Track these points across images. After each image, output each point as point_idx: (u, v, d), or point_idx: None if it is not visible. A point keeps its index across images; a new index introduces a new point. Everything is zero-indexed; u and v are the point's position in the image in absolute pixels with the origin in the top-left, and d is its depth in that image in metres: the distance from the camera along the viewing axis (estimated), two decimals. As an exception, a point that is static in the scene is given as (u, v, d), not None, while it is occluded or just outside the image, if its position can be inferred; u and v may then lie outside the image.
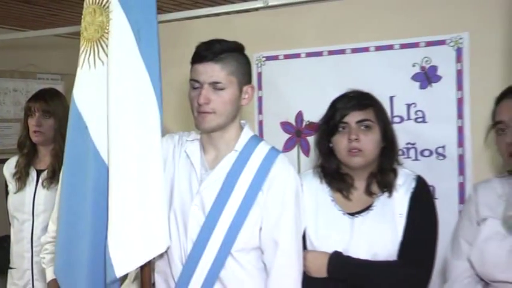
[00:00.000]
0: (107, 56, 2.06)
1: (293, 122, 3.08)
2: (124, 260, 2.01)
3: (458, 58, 2.70)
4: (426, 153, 2.79)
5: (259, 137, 2.34)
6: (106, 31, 2.07)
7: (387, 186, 2.26)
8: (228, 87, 2.08)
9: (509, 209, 1.99)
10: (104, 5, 2.09)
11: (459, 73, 2.70)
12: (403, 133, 2.70)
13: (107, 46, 2.06)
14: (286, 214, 2.11)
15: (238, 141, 2.16)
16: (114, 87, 2.03)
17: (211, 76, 2.06)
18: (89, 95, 2.11)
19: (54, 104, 2.96)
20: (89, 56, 2.12)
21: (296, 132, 3.07)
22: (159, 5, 3.13)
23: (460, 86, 2.70)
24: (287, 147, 3.08)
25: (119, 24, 2.03)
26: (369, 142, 2.22)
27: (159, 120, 2.07)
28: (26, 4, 4.61)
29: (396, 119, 2.80)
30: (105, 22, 2.08)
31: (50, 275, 2.57)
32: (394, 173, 2.29)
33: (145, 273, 2.14)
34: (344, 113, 2.25)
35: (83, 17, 2.12)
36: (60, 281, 2.12)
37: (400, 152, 2.63)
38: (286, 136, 3.09)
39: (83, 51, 2.10)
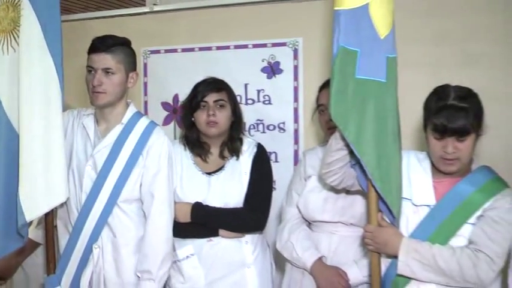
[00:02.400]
0: (18, 44, 2.29)
1: (171, 102, 3.47)
2: (32, 208, 2.27)
3: (295, 56, 3.19)
4: (271, 127, 3.25)
5: (141, 113, 2.54)
6: (18, 25, 2.29)
7: (235, 151, 2.58)
8: (117, 73, 2.34)
9: (322, 167, 2.24)
10: (16, 3, 2.32)
11: (295, 68, 3.20)
12: (254, 112, 3.20)
13: (18, 37, 2.29)
14: (160, 173, 2.37)
15: (125, 116, 2.41)
16: (24, 70, 2.26)
17: (104, 64, 2.32)
18: (2, 76, 2.34)
19: None
20: (3, 45, 2.35)
21: (173, 110, 3.47)
22: (69, 7, 3.50)
23: (296, 77, 3.20)
24: (166, 122, 3.47)
25: (29, 19, 2.27)
26: (223, 117, 2.51)
27: (60, 98, 2.32)
28: None
29: (249, 101, 3.25)
30: (17, 17, 2.30)
31: None
32: (241, 141, 2.61)
33: (49, 219, 2.44)
34: (204, 94, 2.53)
35: (-3, 12, 2.34)
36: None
37: (251, 126, 3.13)
38: (165, 113, 3.49)
39: None
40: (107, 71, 2.34)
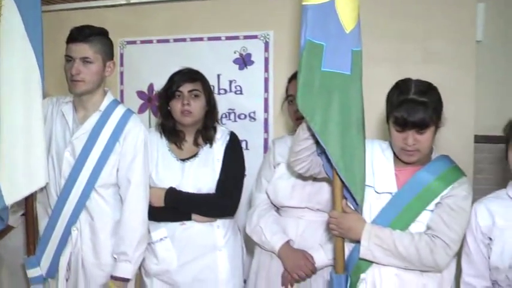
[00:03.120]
0: None
1: (146, 91, 3.52)
2: (12, 192, 2.33)
3: (266, 48, 3.27)
4: (242, 116, 3.33)
5: (119, 101, 2.58)
6: None
7: (209, 139, 2.62)
8: (94, 62, 2.38)
9: (291, 155, 2.29)
10: (-3, -6, 2.34)
11: (266, 60, 3.28)
12: (226, 102, 3.27)
13: None
14: (136, 159, 2.43)
15: (102, 103, 2.45)
16: (5, 59, 2.31)
17: (82, 53, 2.35)
18: None
19: None
20: (-15, 33, 2.36)
21: (148, 99, 3.53)
22: None
23: (266, 69, 3.28)
24: (141, 110, 3.53)
25: (10, 10, 2.31)
26: (197, 106, 2.56)
27: (40, 86, 2.37)
28: None
29: (222, 91, 3.33)
30: None
31: None
32: (214, 129, 2.64)
33: (29, 203, 2.49)
34: (179, 84, 2.56)
35: (-20, 2, 2.34)
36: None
37: (223, 115, 3.19)
38: (141, 102, 3.55)
39: None
40: (84, 60, 2.37)
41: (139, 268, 2.59)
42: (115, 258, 2.42)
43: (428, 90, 2.11)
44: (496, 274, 2.11)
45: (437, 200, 2.12)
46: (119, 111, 2.49)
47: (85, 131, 2.43)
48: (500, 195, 2.20)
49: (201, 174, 2.58)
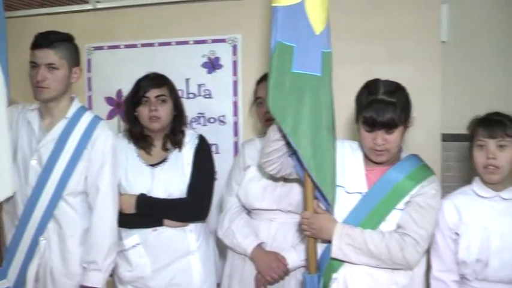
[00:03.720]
0: None
1: (115, 97, 3.49)
2: None
3: (234, 52, 3.27)
4: (212, 120, 3.32)
5: (86, 107, 2.55)
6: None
7: (178, 144, 2.61)
8: (60, 68, 2.36)
9: (262, 157, 2.29)
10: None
11: (234, 63, 3.28)
12: (196, 105, 3.26)
13: None
14: (105, 166, 2.42)
15: (69, 110, 2.43)
16: None
17: (47, 59, 2.33)
18: None
19: None
20: None
21: (117, 104, 3.49)
22: (12, 3, 3.42)
23: (235, 72, 3.28)
24: (110, 116, 3.49)
25: None
26: (164, 111, 2.55)
27: (5, 93, 2.33)
28: None
29: (191, 95, 3.32)
30: None
31: None
32: (183, 133, 2.64)
33: None
34: (146, 89, 2.55)
35: None
36: None
37: (192, 119, 3.18)
38: (110, 108, 3.50)
39: None
40: (50, 67, 2.35)
41: (112, 276, 2.56)
42: (84, 267, 2.39)
43: (397, 90, 2.14)
44: (463, 268, 2.16)
45: (406, 198, 2.15)
46: (86, 117, 2.47)
47: (52, 139, 2.41)
48: (466, 191, 2.25)
49: (171, 179, 2.58)
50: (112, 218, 2.44)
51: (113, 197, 2.45)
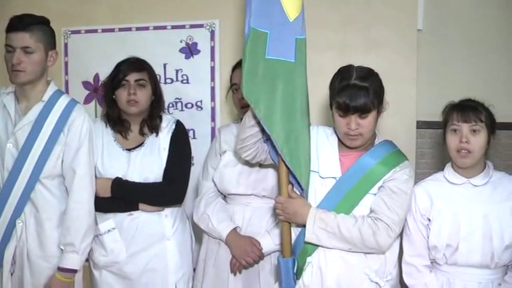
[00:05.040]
0: None
1: (92, 81, 3.47)
2: None
3: (212, 37, 3.27)
4: (189, 105, 3.33)
5: (62, 91, 2.55)
6: None
7: (155, 129, 2.63)
8: (36, 51, 2.35)
9: (237, 143, 2.32)
10: None
11: (212, 49, 3.28)
12: (173, 91, 3.26)
13: None
14: (81, 149, 2.41)
15: (45, 94, 2.42)
16: None
17: (23, 42, 2.32)
18: None
19: None
20: None
21: (94, 89, 3.48)
22: None
23: (212, 58, 3.28)
24: (87, 101, 3.47)
25: None
26: (143, 96, 2.55)
27: None
28: None
29: (168, 81, 3.31)
30: None
31: None
32: (160, 118, 2.65)
33: None
34: (126, 73, 2.55)
35: None
36: None
37: (170, 105, 3.18)
38: (86, 92, 3.49)
39: None
40: (25, 50, 2.34)
41: (88, 260, 2.57)
42: (62, 249, 2.40)
43: (369, 75, 2.16)
44: (434, 253, 2.20)
45: (379, 183, 2.19)
46: (63, 101, 2.46)
47: (28, 122, 2.40)
48: (437, 177, 2.29)
49: (147, 163, 2.59)
50: (88, 200, 2.44)
51: (90, 180, 2.45)
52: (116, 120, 2.64)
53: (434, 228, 2.19)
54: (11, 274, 2.44)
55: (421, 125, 3.16)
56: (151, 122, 2.65)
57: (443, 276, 2.21)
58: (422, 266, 2.24)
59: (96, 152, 2.57)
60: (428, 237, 2.21)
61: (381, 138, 2.30)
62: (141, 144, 2.62)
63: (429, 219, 2.21)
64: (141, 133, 2.65)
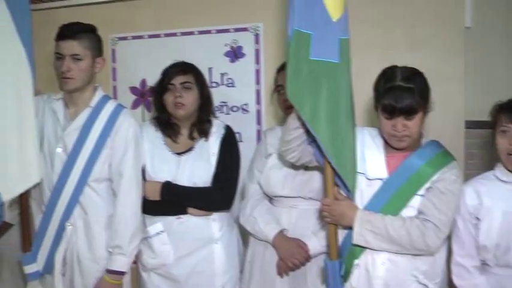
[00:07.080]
0: None
1: (139, 86, 3.53)
2: (8, 189, 2.35)
3: (256, 41, 3.28)
4: (235, 109, 3.35)
5: (109, 96, 2.59)
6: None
7: (204, 133, 2.63)
8: (84, 59, 2.41)
9: (282, 145, 2.32)
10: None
11: (257, 52, 3.28)
12: (218, 94, 3.23)
13: None
14: (128, 153, 2.45)
15: (93, 99, 2.47)
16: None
17: (71, 50, 2.38)
18: None
19: None
20: (-26, 35, 2.36)
21: (141, 94, 3.54)
22: None
23: (257, 61, 3.28)
24: (134, 106, 3.54)
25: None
26: (189, 98, 2.57)
27: (31, 84, 2.39)
28: None
29: (214, 84, 3.32)
30: None
31: None
32: (210, 123, 2.66)
33: (24, 200, 2.51)
34: (171, 76, 2.59)
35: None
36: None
37: (216, 108, 3.09)
38: (134, 97, 3.56)
39: None
40: (74, 57, 2.39)
41: (136, 262, 2.60)
42: (110, 251, 2.43)
43: (414, 76, 2.13)
44: (484, 253, 2.16)
45: (427, 184, 2.15)
46: (110, 106, 2.51)
47: (76, 127, 2.45)
48: (487, 176, 2.25)
49: (196, 168, 2.60)
50: (135, 203, 2.47)
51: (136, 183, 2.48)
52: (165, 124, 2.66)
53: (483, 227, 2.15)
54: (63, 275, 2.49)
55: (469, 124, 3.08)
56: (201, 126, 2.66)
57: (494, 278, 2.16)
58: (472, 267, 2.21)
59: (143, 156, 2.59)
60: (477, 237, 2.16)
61: (428, 138, 2.26)
62: (190, 149, 2.64)
63: (478, 219, 2.17)
64: (191, 137, 2.66)
